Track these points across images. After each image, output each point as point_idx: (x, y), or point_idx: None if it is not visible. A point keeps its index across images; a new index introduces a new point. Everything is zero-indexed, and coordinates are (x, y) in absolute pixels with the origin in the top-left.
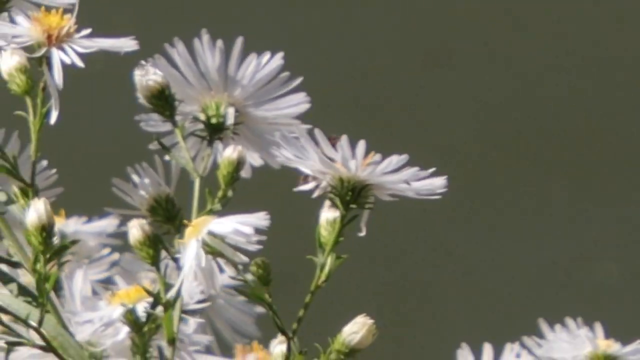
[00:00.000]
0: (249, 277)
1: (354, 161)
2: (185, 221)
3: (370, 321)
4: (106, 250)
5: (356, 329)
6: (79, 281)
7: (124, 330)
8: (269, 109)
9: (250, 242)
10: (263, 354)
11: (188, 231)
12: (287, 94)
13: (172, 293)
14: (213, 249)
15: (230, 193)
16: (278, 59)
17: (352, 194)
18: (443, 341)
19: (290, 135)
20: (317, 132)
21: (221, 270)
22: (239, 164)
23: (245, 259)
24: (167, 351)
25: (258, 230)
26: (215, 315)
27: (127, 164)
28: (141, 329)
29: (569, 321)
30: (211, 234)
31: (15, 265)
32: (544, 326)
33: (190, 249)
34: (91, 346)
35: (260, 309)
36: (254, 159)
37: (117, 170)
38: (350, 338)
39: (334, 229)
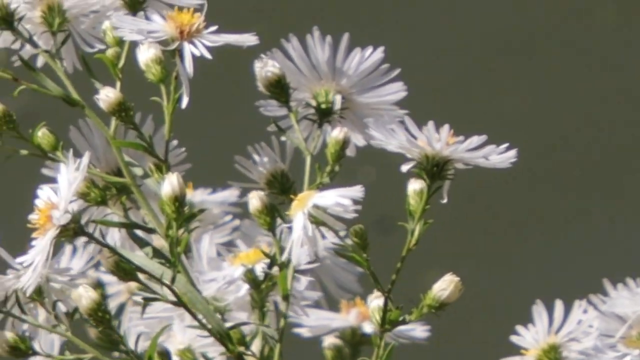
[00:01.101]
0: (349, 241)
1: (440, 142)
2: (291, 196)
3: (456, 278)
4: (228, 218)
5: (445, 286)
6: (206, 244)
7: (245, 287)
8: (371, 96)
9: (348, 211)
10: (364, 309)
11: (294, 204)
12: (387, 83)
13: (284, 257)
14: (317, 219)
15: (337, 168)
16: (379, 53)
17: (437, 168)
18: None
19: (381, 120)
20: (406, 118)
21: (323, 236)
22: (345, 143)
23: (344, 226)
24: (282, 306)
25: (355, 201)
26: (323, 274)
27: (247, 143)
28: (259, 287)
29: (630, 280)
30: (315, 206)
31: (150, 231)
32: (607, 285)
33: (297, 220)
34: (216, 301)
35: (361, 269)
36: (358, 140)
37: (238, 150)
38: (439, 294)
39: (421, 198)
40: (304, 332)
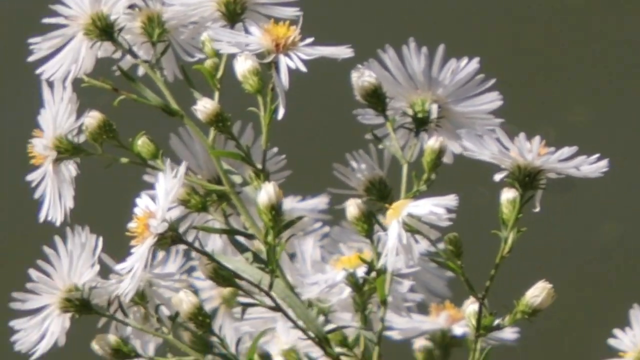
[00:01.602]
0: (441, 246)
1: (531, 153)
2: (386, 205)
3: (549, 285)
4: (318, 224)
5: (537, 293)
6: (309, 247)
7: (347, 289)
8: (467, 106)
9: (442, 220)
10: (454, 312)
11: (389, 213)
12: (482, 92)
13: (380, 264)
14: (411, 227)
15: (433, 176)
16: (474, 63)
17: (529, 178)
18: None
19: (474, 130)
20: (498, 129)
21: (416, 241)
22: (441, 152)
23: (438, 234)
24: (380, 310)
25: (449, 210)
26: (414, 279)
27: (345, 151)
28: (360, 290)
29: None
30: (410, 215)
31: (249, 237)
32: None
33: (392, 229)
34: (320, 302)
35: (450, 273)
36: (455, 148)
37: (337, 157)
38: (532, 300)
39: (514, 207)
40: (395, 334)
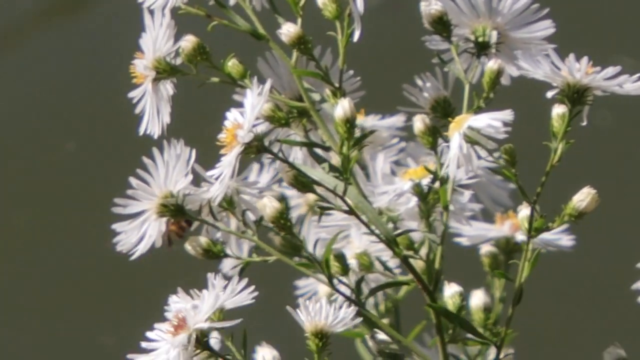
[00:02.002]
0: (501, 160)
1: (579, 72)
2: (449, 119)
3: (593, 191)
4: (395, 140)
5: (583, 197)
6: (380, 161)
7: (414, 199)
8: (523, 32)
9: (499, 132)
10: (517, 221)
11: (452, 126)
12: (537, 20)
13: (443, 172)
14: (471, 138)
15: (491, 95)
16: None
17: (577, 95)
18: None
19: (529, 52)
20: (551, 51)
21: (479, 157)
22: (499, 73)
23: (495, 145)
24: (443, 215)
25: (505, 123)
26: (479, 190)
27: (414, 73)
28: (425, 198)
29: None
30: (470, 127)
31: (326, 149)
32: None
33: (454, 139)
34: (389, 211)
35: (513, 185)
36: (512, 70)
37: (406, 78)
38: (578, 204)
39: (564, 121)
40: (464, 241)
